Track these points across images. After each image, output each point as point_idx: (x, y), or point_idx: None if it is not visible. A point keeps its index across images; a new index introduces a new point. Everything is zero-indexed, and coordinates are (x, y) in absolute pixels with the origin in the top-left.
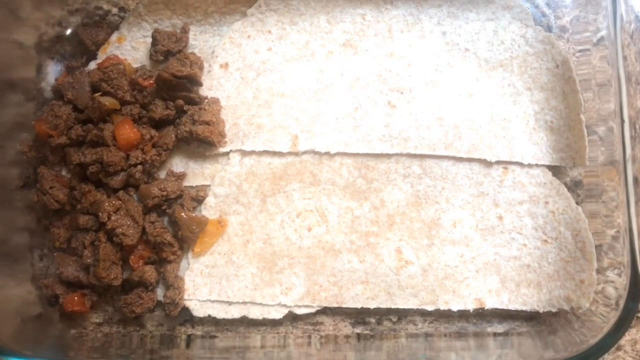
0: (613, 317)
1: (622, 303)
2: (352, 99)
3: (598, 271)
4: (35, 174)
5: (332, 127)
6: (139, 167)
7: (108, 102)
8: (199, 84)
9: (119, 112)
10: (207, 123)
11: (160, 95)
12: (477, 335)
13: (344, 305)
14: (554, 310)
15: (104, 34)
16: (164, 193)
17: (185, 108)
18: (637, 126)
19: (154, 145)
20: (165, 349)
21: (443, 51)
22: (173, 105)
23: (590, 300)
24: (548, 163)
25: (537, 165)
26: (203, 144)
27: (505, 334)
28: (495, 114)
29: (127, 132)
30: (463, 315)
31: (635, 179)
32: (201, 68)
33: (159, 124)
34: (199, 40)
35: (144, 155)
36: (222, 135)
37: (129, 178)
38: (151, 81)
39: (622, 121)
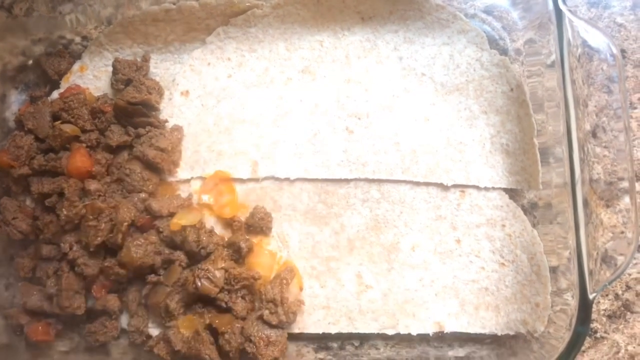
0: (568, 339)
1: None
2: (311, 125)
3: (556, 293)
4: None
5: (291, 153)
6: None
7: (69, 129)
8: (155, 108)
9: (79, 140)
10: (162, 150)
11: (120, 123)
12: (439, 359)
13: (305, 331)
14: (511, 333)
15: (66, 63)
16: None
17: (147, 129)
18: (586, 149)
19: (108, 170)
20: None
21: (400, 76)
22: (134, 131)
23: (544, 324)
24: (504, 186)
25: (493, 188)
26: (154, 169)
27: (467, 357)
28: (451, 137)
29: (76, 160)
30: (424, 339)
31: (585, 201)
32: (160, 92)
33: (118, 151)
34: (160, 68)
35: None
36: (175, 165)
37: None
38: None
39: (570, 144)
